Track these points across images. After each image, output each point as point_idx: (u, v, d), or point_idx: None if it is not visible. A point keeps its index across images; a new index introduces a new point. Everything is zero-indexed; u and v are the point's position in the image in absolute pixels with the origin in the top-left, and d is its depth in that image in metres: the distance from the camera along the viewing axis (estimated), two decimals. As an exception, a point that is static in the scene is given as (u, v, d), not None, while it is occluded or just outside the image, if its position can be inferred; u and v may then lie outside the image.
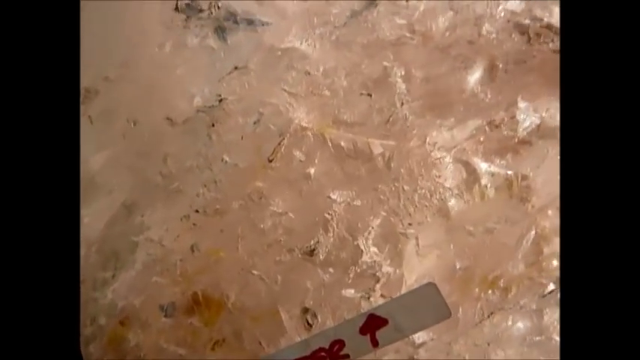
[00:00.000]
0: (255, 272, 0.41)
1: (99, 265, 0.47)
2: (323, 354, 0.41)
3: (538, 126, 0.43)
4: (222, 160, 0.41)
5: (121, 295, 0.46)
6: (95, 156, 0.46)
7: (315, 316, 0.41)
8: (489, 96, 0.43)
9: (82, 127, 0.46)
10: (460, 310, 0.40)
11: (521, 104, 0.40)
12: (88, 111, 0.46)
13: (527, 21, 0.43)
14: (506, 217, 0.39)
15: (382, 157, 0.40)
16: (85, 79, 0.45)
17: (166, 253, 0.43)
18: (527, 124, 0.41)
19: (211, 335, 0.43)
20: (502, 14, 0.45)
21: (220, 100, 0.41)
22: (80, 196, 0.45)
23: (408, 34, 0.42)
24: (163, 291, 0.44)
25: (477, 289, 0.40)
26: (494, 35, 0.45)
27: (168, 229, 0.43)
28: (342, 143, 0.40)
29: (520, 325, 0.40)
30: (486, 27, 0.45)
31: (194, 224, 0.42)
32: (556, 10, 0.45)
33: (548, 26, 0.45)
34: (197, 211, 0.41)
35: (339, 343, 0.40)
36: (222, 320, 0.43)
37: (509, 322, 0.38)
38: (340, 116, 0.39)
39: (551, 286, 0.40)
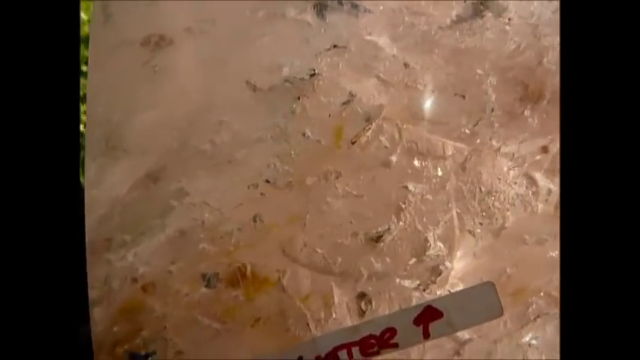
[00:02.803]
0: (319, 250, 0.40)
1: (118, 227, 0.44)
2: (372, 341, 0.41)
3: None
4: (303, 134, 0.41)
5: (143, 259, 0.44)
6: (143, 114, 0.43)
7: (369, 302, 0.41)
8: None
9: (140, 77, 0.44)
10: (507, 312, 0.43)
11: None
12: (154, 59, 0.43)
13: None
14: (557, 232, 0.42)
15: (454, 159, 0.42)
16: (162, 26, 0.43)
17: (222, 220, 0.42)
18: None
19: (254, 312, 0.42)
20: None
21: (312, 75, 0.41)
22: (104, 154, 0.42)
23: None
24: (208, 259, 0.42)
25: (523, 295, 0.42)
26: (554, 67, 0.49)
27: (226, 197, 0.42)
28: (417, 140, 0.42)
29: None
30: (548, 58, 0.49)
31: (262, 194, 0.41)
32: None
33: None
34: (267, 182, 0.41)
35: (391, 332, 0.41)
36: (270, 297, 0.42)
37: (552, 327, 0.41)
38: (425, 114, 0.41)
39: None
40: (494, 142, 0.41)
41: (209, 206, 0.42)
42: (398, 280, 0.41)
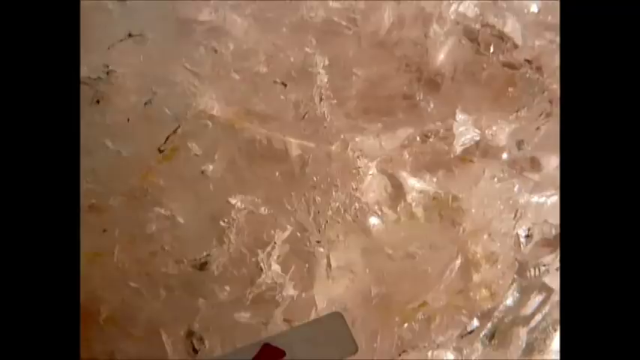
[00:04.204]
0: (132, 284, 0.34)
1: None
2: (207, 387, 0.34)
3: (477, 143, 0.38)
4: (104, 144, 0.34)
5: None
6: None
7: (202, 340, 0.34)
8: (432, 105, 0.38)
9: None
10: (379, 337, 0.35)
11: (461, 116, 0.36)
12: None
13: (477, 26, 0.39)
14: (431, 242, 0.34)
15: (300, 160, 0.34)
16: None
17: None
18: (464, 139, 0.37)
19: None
20: (452, 16, 0.40)
21: (108, 73, 0.33)
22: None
23: (343, 23, 0.37)
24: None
25: (391, 321, 0.35)
26: (442, 38, 0.40)
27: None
28: (256, 137, 0.34)
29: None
30: (434, 28, 0.40)
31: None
32: (510, 20, 0.41)
33: (500, 35, 0.41)
34: (69, 205, 0.34)
35: (227, 376, 0.34)
36: (92, 337, 0.35)
37: (430, 355, 0.33)
38: (252, 107, 0.33)
39: (475, 323, 0.36)
40: (344, 137, 0.33)
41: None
42: (233, 314, 0.34)
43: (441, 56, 0.39)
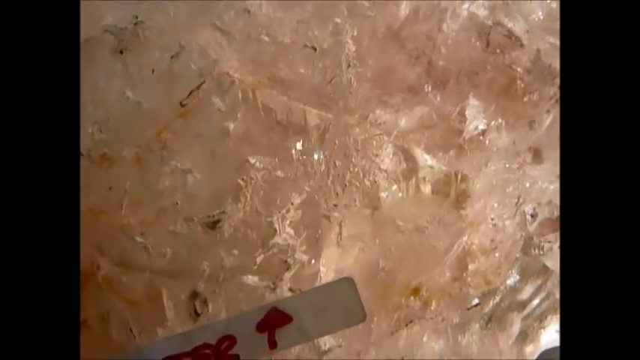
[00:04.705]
0: (139, 239, 0.33)
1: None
2: (207, 351, 0.33)
3: (486, 128, 0.40)
4: (123, 94, 0.33)
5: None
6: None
7: (205, 303, 0.33)
8: (438, 99, 0.40)
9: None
10: (375, 317, 0.35)
11: (473, 101, 0.38)
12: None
13: (489, 22, 0.42)
14: (440, 218, 0.35)
15: (317, 130, 0.35)
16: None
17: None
18: (476, 123, 0.38)
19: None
20: (465, 13, 0.43)
21: (136, 24, 0.33)
22: None
23: (366, 4, 0.38)
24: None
25: (397, 295, 0.35)
26: (454, 34, 0.42)
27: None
28: (274, 107, 0.35)
29: (436, 343, 0.36)
30: (448, 23, 0.42)
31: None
32: (520, 21, 0.44)
33: (510, 34, 0.44)
34: (82, 155, 0.33)
35: (229, 340, 0.33)
36: (87, 296, 0.34)
37: (425, 338, 0.33)
38: (277, 72, 0.34)
39: (476, 300, 0.37)
40: (361, 110, 0.34)
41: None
42: (240, 277, 0.33)
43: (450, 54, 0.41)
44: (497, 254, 0.36)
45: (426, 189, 0.35)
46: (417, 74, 0.39)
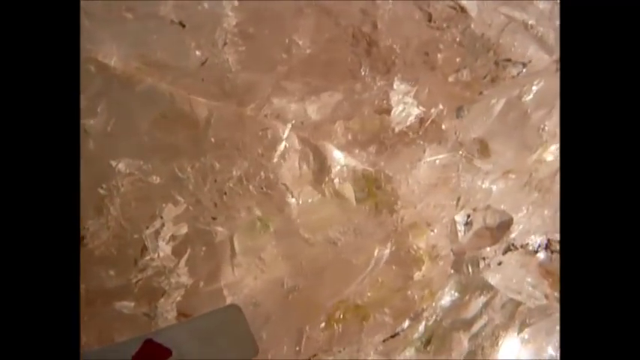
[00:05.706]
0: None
1: None
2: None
3: (421, 120, 0.34)
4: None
5: None
6: None
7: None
8: (379, 84, 0.33)
9: None
10: (285, 347, 0.30)
11: (400, 86, 0.31)
12: None
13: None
14: (356, 227, 0.29)
15: (205, 123, 0.29)
16: None
17: None
18: (406, 114, 0.32)
19: None
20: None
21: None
22: None
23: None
24: None
25: (306, 320, 0.29)
26: (390, 6, 0.35)
27: None
28: (154, 96, 0.29)
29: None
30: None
31: None
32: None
33: (456, 6, 0.36)
34: None
35: (96, 379, 0.28)
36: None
37: None
38: (148, 53, 0.27)
39: (403, 325, 0.31)
40: (252, 96, 0.28)
41: None
42: (115, 303, 0.28)
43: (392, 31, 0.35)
44: (429, 268, 0.30)
45: (342, 192, 0.29)
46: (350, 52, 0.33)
